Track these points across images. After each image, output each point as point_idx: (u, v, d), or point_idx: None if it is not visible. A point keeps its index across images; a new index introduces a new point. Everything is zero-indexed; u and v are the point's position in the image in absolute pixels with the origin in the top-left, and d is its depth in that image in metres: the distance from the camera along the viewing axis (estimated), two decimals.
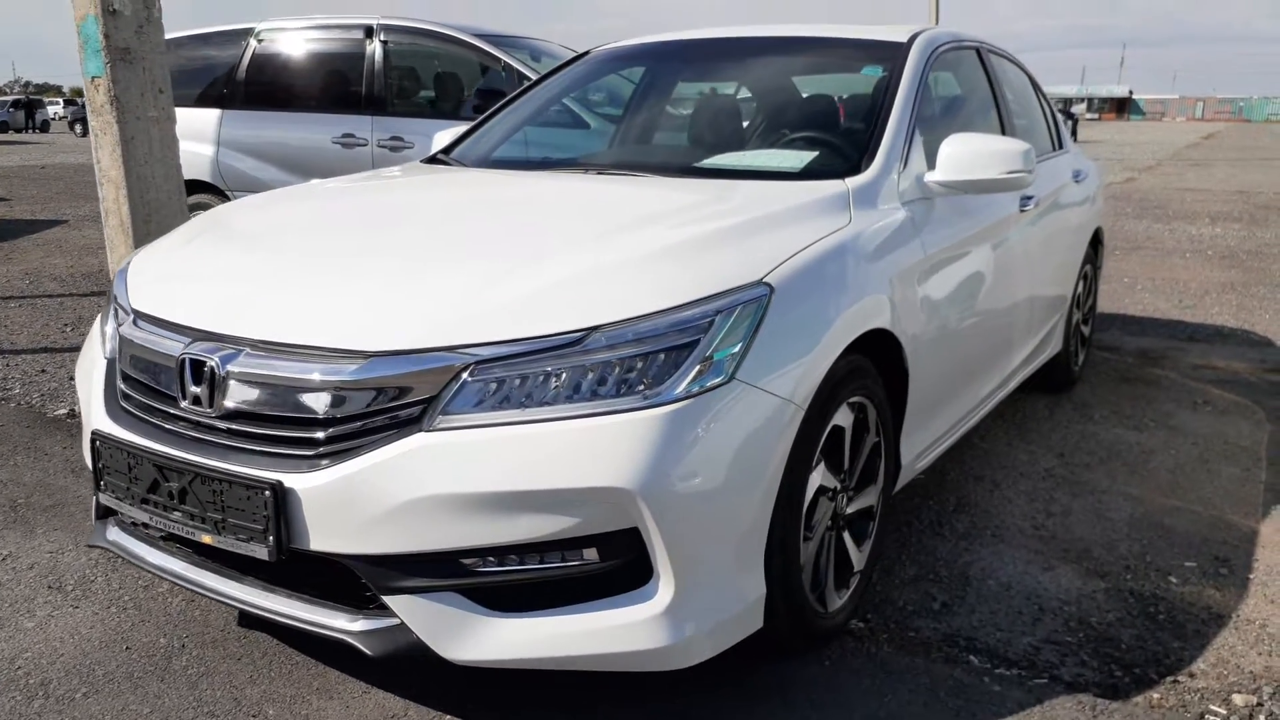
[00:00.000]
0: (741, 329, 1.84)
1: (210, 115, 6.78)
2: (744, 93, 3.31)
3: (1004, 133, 3.47)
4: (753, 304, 1.88)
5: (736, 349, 1.82)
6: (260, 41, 6.75)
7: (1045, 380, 4.32)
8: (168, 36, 7.23)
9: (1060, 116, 4.44)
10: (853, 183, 2.47)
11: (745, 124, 3.15)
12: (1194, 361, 5.05)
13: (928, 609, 2.50)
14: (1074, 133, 34.90)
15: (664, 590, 1.75)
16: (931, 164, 2.71)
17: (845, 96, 3.17)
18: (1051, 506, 3.17)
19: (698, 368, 1.77)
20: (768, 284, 1.92)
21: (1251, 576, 2.71)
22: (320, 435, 1.76)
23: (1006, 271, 3.15)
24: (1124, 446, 3.75)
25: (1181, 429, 3.97)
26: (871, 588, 2.58)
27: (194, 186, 6.85)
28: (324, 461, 1.74)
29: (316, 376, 1.76)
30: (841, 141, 2.88)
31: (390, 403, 1.73)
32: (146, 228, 3.84)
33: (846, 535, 2.29)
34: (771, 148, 3.00)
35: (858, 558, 2.34)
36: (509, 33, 6.94)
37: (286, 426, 1.79)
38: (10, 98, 48.72)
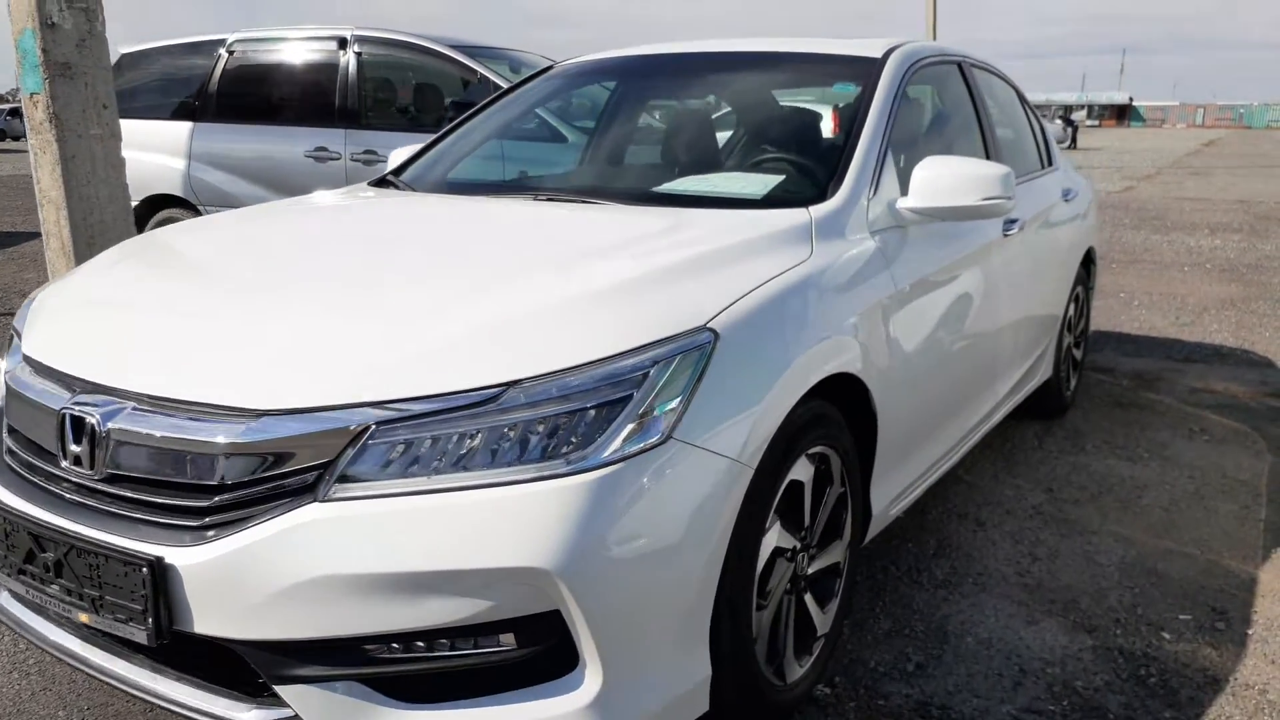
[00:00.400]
0: (681, 381, 1.66)
1: (182, 128, 6.62)
2: (712, 111, 3.13)
3: (987, 152, 3.30)
4: (694, 352, 1.70)
5: (675, 404, 1.64)
6: (232, 53, 6.59)
7: (1036, 407, 4.13)
8: (143, 48, 7.11)
9: (1049, 133, 4.26)
10: (816, 211, 2.29)
11: (711, 145, 2.97)
12: (1191, 384, 4.86)
13: (900, 670, 2.32)
14: (1074, 140, 34.78)
15: (591, 679, 1.56)
16: (905, 189, 2.53)
17: (841, 105, 2.99)
18: (1038, 549, 2.99)
19: (630, 427, 1.58)
20: (712, 329, 1.74)
21: (1250, 632, 2.52)
22: (206, 504, 1.57)
23: (988, 300, 2.97)
24: (1116, 480, 3.57)
25: (1177, 460, 3.78)
26: (841, 645, 2.40)
27: (165, 201, 6.71)
28: (210, 533, 1.55)
29: (202, 437, 1.58)
30: (809, 165, 2.70)
31: (282, 468, 1.55)
32: (90, 251, 3.66)
33: (808, 597, 2.10)
34: (738, 170, 2.82)
35: (821, 621, 2.15)
36: (487, 43, 6.78)
37: (171, 493, 1.60)
38: (9, 106, 48.54)
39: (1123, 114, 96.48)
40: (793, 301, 1.96)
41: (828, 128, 2.93)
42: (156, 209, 6.78)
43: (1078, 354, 4.49)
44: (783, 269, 2.02)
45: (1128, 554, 2.96)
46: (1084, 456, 3.82)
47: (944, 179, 2.44)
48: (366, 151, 6.01)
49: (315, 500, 1.52)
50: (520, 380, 1.57)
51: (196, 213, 6.62)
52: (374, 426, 1.53)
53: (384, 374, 1.58)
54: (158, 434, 1.61)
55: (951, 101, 3.25)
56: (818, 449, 2.02)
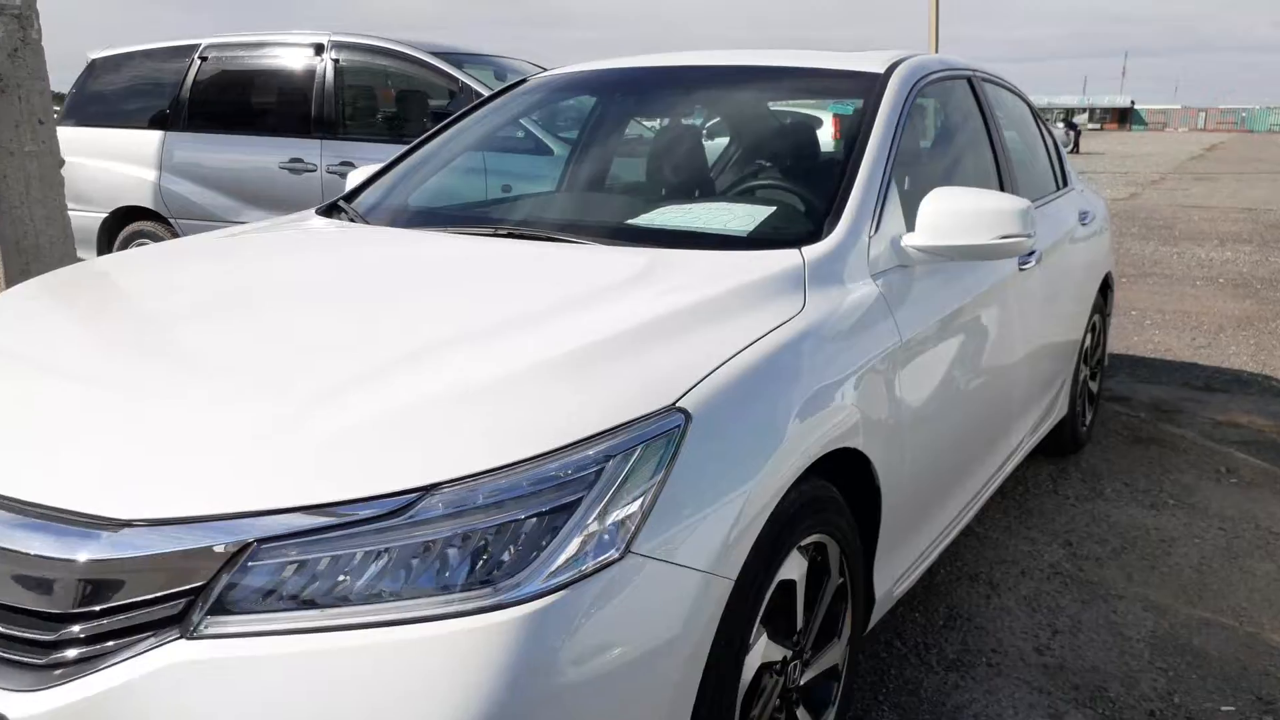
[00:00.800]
0: (642, 478, 1.36)
1: (152, 137, 6.34)
2: (698, 131, 2.83)
3: (1000, 175, 3.00)
4: (660, 440, 1.40)
5: (634, 507, 1.34)
6: (205, 59, 6.30)
7: (1051, 445, 3.83)
8: (113, 53, 6.81)
9: (1063, 150, 3.96)
10: (810, 253, 1.99)
11: (696, 169, 2.68)
12: (1213, 416, 4.56)
13: None
14: (1076, 144, 34.48)
15: None
16: (911, 223, 2.23)
17: (842, 115, 2.70)
18: (1058, 619, 2.69)
19: (577, 541, 1.29)
20: (683, 410, 1.45)
21: None
22: (53, 638, 1.27)
23: (1002, 342, 2.67)
24: (1139, 533, 3.27)
25: (1204, 508, 3.48)
26: None
27: (136, 213, 6.43)
28: (56, 673, 1.25)
29: (50, 552, 1.28)
30: (803, 195, 2.40)
31: (144, 594, 1.25)
32: (24, 278, 3.38)
33: (800, 710, 1.80)
34: (725, 199, 2.53)
35: None
36: (473, 50, 6.49)
37: (11, 622, 1.31)
38: None
39: (1124, 117, 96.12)
40: (782, 368, 1.66)
41: (826, 140, 2.64)
42: (126, 221, 6.50)
43: (1094, 386, 4.20)
44: (770, 327, 1.72)
45: (1159, 625, 2.66)
46: (1103, 504, 3.52)
47: (955, 214, 2.14)
48: (343, 163, 5.72)
49: (182, 637, 1.22)
50: (439, 484, 1.27)
51: (168, 226, 6.34)
52: (256, 544, 1.24)
53: (274, 477, 1.28)
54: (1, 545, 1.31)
55: (961, 120, 2.95)
56: (813, 538, 1.73)
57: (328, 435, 1.33)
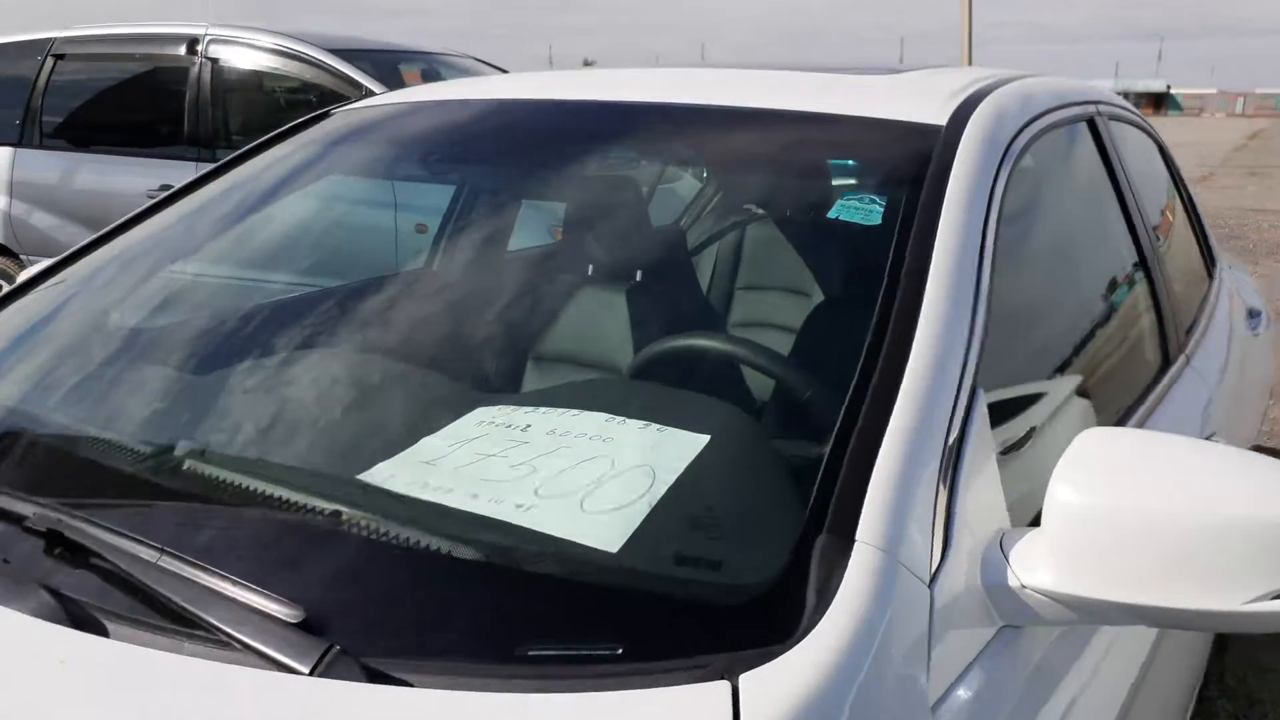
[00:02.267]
0: None
1: (0, 155, 5.08)
2: (590, 246, 1.50)
3: (1153, 287, 1.65)
4: None
5: None
6: (60, 57, 5.03)
7: None
8: None
9: (1201, 211, 2.61)
10: (758, 697, 0.67)
11: (583, 336, 1.35)
12: None
13: None
14: None
15: None
16: (1028, 499, 0.91)
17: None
18: None
19: None
20: None
21: None
22: None
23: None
24: None
25: None
26: None
27: None
28: None
29: None
30: (780, 419, 1.08)
31: None
32: None
33: None
34: (613, 398, 1.20)
35: None
36: (403, 46, 5.21)
37: None
38: None
39: (1160, 103, 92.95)
40: None
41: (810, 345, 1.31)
42: None
43: None
44: None
45: None
46: None
47: (1167, 532, 0.81)
48: None
49: None
50: None
51: (20, 264, 5.10)
52: None
53: None
54: None
55: (1083, 201, 1.61)
56: None
57: None
